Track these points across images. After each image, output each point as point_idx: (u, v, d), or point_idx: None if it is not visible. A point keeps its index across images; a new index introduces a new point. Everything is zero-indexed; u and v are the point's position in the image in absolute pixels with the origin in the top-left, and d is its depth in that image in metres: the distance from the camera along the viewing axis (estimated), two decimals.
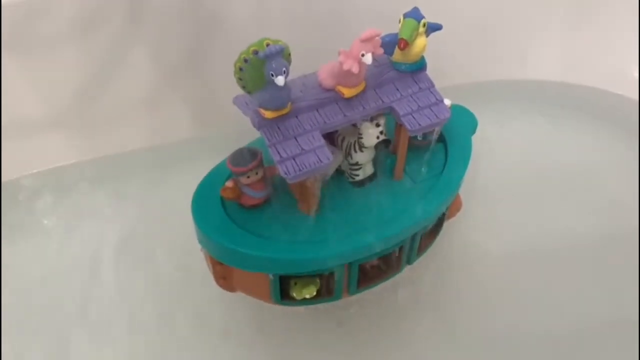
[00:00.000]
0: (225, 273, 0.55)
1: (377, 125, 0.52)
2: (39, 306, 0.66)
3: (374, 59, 0.46)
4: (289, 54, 0.45)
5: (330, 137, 0.57)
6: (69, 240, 0.74)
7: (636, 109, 0.90)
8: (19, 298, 0.67)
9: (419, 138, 0.59)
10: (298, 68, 0.49)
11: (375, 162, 0.57)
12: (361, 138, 0.53)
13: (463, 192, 0.63)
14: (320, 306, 0.58)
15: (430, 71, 0.55)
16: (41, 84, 0.78)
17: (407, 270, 0.61)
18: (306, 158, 0.47)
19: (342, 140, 0.56)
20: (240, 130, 0.55)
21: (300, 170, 0.47)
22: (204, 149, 0.70)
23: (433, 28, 0.52)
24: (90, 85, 0.81)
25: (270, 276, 0.52)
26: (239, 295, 0.58)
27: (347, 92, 0.50)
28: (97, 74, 0.80)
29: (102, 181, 0.82)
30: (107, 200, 0.80)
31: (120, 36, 0.78)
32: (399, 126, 0.55)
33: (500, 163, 0.81)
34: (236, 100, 0.52)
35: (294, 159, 0.47)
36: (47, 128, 0.82)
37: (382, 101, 0.52)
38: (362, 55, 0.46)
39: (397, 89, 0.53)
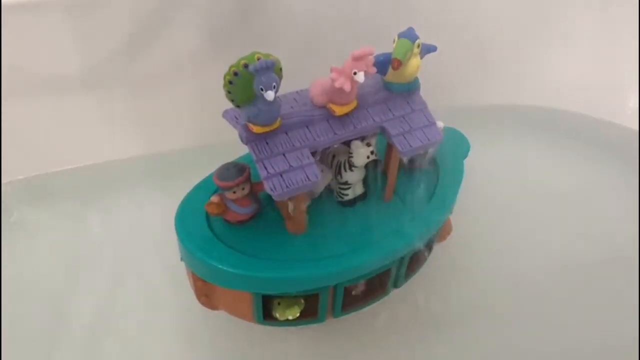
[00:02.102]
0: (207, 290, 0.54)
1: (368, 144, 0.51)
2: (38, 307, 0.65)
3: (366, 78, 0.46)
4: (280, 69, 0.45)
5: (320, 155, 0.56)
6: (70, 242, 0.74)
7: (633, 137, 0.90)
8: (19, 298, 0.66)
9: (419, 161, 0.59)
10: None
11: (365, 182, 0.56)
12: (351, 157, 0.52)
13: (455, 215, 0.62)
14: None
15: (424, 92, 0.54)
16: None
17: (394, 292, 0.59)
18: (294, 175, 0.46)
19: (332, 159, 0.55)
20: None
21: (287, 187, 0.46)
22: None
23: (428, 49, 0.52)
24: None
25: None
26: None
27: (339, 110, 0.49)
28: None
29: (107, 185, 0.82)
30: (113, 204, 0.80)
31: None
32: (390, 147, 0.54)
33: (493, 187, 0.81)
34: (226, 114, 0.51)
35: (281, 176, 0.46)
36: (54, 131, 0.82)
37: (374, 121, 0.51)
38: (355, 73, 0.45)
39: (390, 109, 0.52)
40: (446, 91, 0.84)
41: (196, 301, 0.55)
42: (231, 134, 0.50)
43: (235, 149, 0.57)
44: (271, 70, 0.42)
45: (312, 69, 0.51)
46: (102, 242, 0.74)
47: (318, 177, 0.47)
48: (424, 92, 0.54)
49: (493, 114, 0.97)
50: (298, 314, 0.53)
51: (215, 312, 0.56)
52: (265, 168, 0.46)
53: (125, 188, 0.83)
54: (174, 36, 0.82)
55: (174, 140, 0.87)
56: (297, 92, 0.53)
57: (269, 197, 0.52)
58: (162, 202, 0.76)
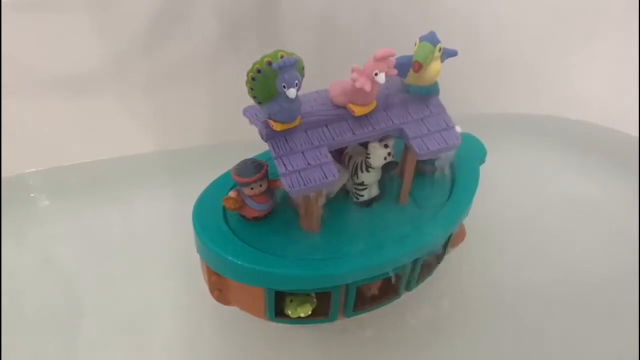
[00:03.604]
0: (221, 285, 0.54)
1: (386, 146, 0.52)
2: (39, 305, 0.66)
3: (387, 79, 0.46)
4: (303, 67, 0.45)
5: (338, 155, 0.57)
6: (81, 235, 0.75)
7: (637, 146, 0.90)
8: (28, 293, 0.67)
9: (435, 165, 0.59)
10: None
11: (381, 183, 0.56)
12: (369, 158, 0.53)
13: (468, 221, 0.62)
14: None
15: (443, 97, 0.55)
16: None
17: (405, 296, 0.59)
18: (312, 173, 0.47)
19: (349, 159, 0.55)
20: None
21: (305, 184, 0.46)
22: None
23: (449, 54, 0.52)
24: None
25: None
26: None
27: (358, 111, 0.49)
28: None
29: (120, 180, 0.83)
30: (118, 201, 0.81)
31: None
32: (407, 149, 0.55)
33: (506, 195, 0.81)
34: (246, 112, 0.52)
35: (299, 173, 0.47)
36: (68, 125, 0.83)
37: (392, 122, 0.51)
38: (376, 74, 0.46)
39: (408, 112, 0.52)
40: (462, 98, 0.83)
41: (208, 297, 0.56)
42: (244, 134, 0.50)
43: (248, 149, 0.58)
44: (294, 68, 0.43)
45: (326, 71, 0.51)
46: (113, 236, 0.75)
47: (335, 176, 0.47)
48: (443, 97, 0.55)
49: (508, 122, 0.97)
50: (310, 312, 0.53)
51: (227, 308, 0.57)
52: (284, 165, 0.47)
53: (138, 184, 0.83)
54: (188, 35, 0.83)
55: (188, 138, 0.88)
56: (316, 92, 0.53)
57: (285, 194, 0.53)
58: (174, 199, 0.77)
